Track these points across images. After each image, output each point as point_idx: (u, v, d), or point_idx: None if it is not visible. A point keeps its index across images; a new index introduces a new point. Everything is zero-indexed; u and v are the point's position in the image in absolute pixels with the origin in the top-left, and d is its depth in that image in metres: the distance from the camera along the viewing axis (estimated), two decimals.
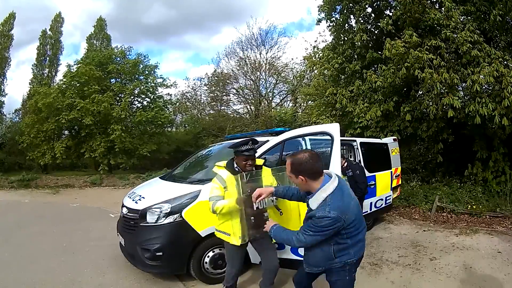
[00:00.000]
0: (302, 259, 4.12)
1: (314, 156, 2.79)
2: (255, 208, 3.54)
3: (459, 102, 8.66)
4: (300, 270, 3.35)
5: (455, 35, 8.78)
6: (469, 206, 8.97)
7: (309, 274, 3.20)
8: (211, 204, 3.74)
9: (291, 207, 3.90)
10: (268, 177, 3.90)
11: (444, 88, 8.96)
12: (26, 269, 5.44)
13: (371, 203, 7.39)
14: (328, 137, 4.40)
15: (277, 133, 5.19)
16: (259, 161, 4.06)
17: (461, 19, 9.17)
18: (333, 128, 4.36)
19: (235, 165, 3.88)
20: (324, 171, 2.80)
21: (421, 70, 8.67)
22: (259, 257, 4.56)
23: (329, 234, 2.62)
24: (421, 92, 10.62)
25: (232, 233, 3.79)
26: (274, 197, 3.61)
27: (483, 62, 8.43)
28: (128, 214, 5.09)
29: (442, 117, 9.60)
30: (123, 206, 5.37)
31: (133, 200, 5.24)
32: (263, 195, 3.31)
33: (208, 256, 4.75)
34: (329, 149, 4.37)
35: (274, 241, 3.94)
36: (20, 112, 25.38)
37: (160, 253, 4.51)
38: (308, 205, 2.80)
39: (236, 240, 3.77)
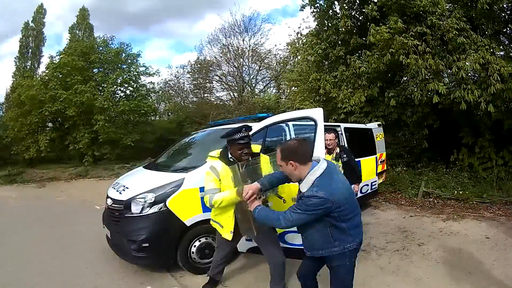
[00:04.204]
0: (289, 246, 4.12)
1: (303, 141, 2.87)
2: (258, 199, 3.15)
3: (445, 88, 8.68)
4: (304, 263, 3.33)
5: (441, 22, 8.77)
6: (456, 192, 9.02)
7: (312, 266, 3.22)
8: (208, 197, 3.53)
9: (292, 194, 3.70)
10: (266, 165, 3.65)
11: (429, 74, 8.97)
12: (13, 264, 5.38)
13: None
14: (312, 122, 4.35)
15: (260, 119, 5.13)
16: (256, 148, 3.89)
17: (447, 6, 9.16)
18: (317, 113, 4.31)
19: (230, 155, 3.70)
20: (313, 157, 2.85)
21: (406, 56, 8.67)
22: (247, 246, 4.56)
23: (318, 215, 2.63)
24: (405, 78, 10.70)
25: (225, 226, 3.70)
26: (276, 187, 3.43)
27: (469, 49, 8.44)
28: (113, 205, 5.00)
29: (427, 103, 9.65)
30: (107, 197, 5.27)
31: (117, 190, 5.15)
32: (251, 191, 3.01)
33: (195, 246, 4.70)
34: (313, 134, 4.32)
35: (277, 233, 3.90)
36: (4, 106, 24.94)
37: (147, 244, 4.44)
38: (299, 191, 2.80)
39: (227, 234, 3.69)
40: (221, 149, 3.87)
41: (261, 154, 3.82)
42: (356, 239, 2.83)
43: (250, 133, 3.84)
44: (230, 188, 3.51)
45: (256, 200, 3.03)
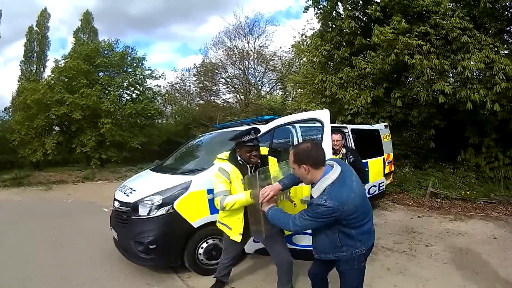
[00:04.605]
0: (296, 247, 4.13)
1: (317, 146, 2.85)
2: None
3: (450, 88, 8.67)
4: (314, 263, 3.33)
5: (445, 22, 8.76)
6: (463, 192, 9.02)
7: (323, 267, 3.22)
8: (219, 199, 3.53)
9: (303, 196, 3.77)
10: (274, 167, 3.62)
11: (434, 74, 8.96)
12: (20, 265, 5.38)
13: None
14: (318, 124, 4.36)
15: (267, 121, 5.12)
16: (264, 150, 3.88)
17: (450, 6, 9.16)
18: (323, 115, 4.30)
19: (238, 158, 3.71)
20: (327, 162, 2.80)
21: (411, 56, 8.68)
22: (254, 248, 4.57)
23: (325, 222, 2.63)
24: (411, 78, 10.68)
25: (233, 228, 3.69)
26: (288, 191, 3.46)
27: (473, 49, 8.45)
28: (120, 207, 5.01)
29: (433, 103, 9.64)
30: (115, 199, 5.30)
31: (124, 193, 5.17)
32: (272, 193, 3.04)
33: (202, 247, 4.70)
34: (319, 136, 4.33)
35: (284, 235, 3.89)
36: (10, 110, 25.05)
37: (154, 246, 4.45)
38: (311, 195, 2.80)
39: (236, 236, 3.67)
40: (229, 151, 3.90)
41: (269, 157, 3.84)
42: (365, 244, 2.82)
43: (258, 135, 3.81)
44: (240, 190, 3.53)
45: (271, 201, 3.06)
